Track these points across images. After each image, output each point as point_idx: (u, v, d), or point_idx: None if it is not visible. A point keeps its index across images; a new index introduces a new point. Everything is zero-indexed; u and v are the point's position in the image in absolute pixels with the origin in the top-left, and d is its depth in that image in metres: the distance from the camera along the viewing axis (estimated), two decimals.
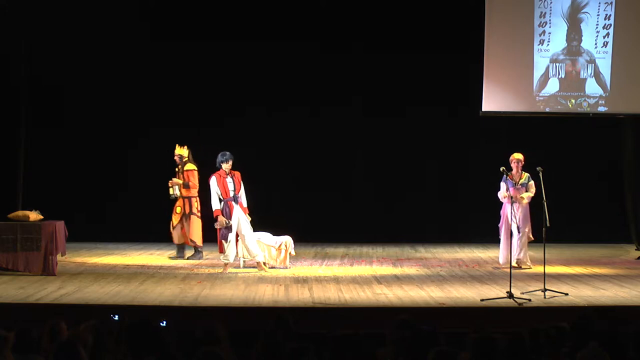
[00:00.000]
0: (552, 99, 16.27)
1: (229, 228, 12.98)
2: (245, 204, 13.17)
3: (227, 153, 13.21)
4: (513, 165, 13.45)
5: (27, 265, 12.43)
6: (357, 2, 17.23)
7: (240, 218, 13.04)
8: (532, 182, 13.35)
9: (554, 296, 10.73)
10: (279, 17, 17.15)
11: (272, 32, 17.15)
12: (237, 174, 13.23)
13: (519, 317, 9.72)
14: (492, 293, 10.95)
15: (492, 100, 16.30)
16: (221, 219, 13.00)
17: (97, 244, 16.28)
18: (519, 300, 10.31)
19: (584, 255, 15.46)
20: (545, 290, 10.76)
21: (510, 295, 10.37)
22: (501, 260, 13.60)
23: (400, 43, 17.24)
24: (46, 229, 12.56)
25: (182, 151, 14.74)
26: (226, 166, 13.12)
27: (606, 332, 6.37)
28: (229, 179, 13.12)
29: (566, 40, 16.26)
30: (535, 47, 16.23)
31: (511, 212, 12.82)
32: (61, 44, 16.90)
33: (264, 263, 13.33)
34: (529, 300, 10.41)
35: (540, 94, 16.26)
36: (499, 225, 13.58)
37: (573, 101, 16.42)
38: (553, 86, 16.22)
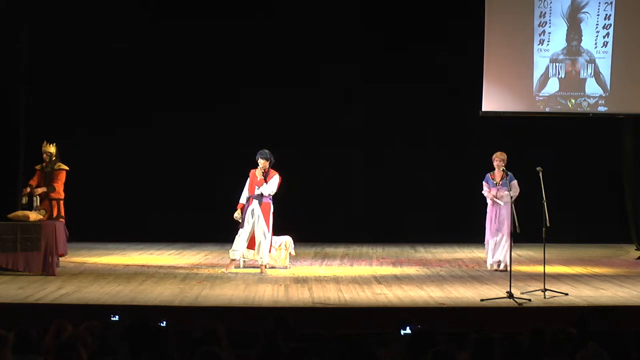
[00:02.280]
0: (552, 98, 16.27)
1: (241, 223, 12.98)
2: (264, 192, 12.96)
3: (263, 151, 13.08)
4: (494, 163, 13.27)
5: (27, 265, 12.42)
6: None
7: (256, 216, 12.97)
8: (514, 182, 13.03)
9: (554, 296, 10.72)
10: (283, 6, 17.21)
11: (272, 28, 17.17)
12: (272, 173, 13.04)
13: (519, 317, 9.71)
14: (492, 293, 10.94)
15: (492, 100, 16.30)
16: (237, 213, 12.97)
17: (96, 244, 16.27)
18: (518, 300, 10.30)
19: (583, 255, 15.46)
20: (545, 290, 10.75)
21: (510, 295, 10.36)
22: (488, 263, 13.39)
23: (402, 42, 17.24)
24: (46, 229, 12.55)
25: (52, 148, 13.68)
26: (260, 163, 13.01)
27: (606, 332, 6.36)
28: (259, 176, 13.01)
29: (566, 40, 16.26)
30: (535, 47, 16.23)
31: (494, 213, 12.88)
32: (62, 44, 16.92)
33: (265, 266, 13.34)
34: (529, 300, 10.40)
35: (540, 94, 16.26)
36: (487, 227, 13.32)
37: (573, 101, 16.42)
38: (553, 86, 16.23)
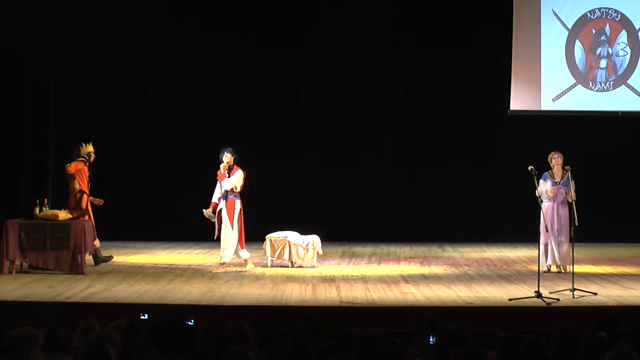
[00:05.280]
0: (582, 97, 16.20)
1: (217, 226, 12.91)
2: (225, 187, 12.80)
3: (226, 148, 12.93)
4: (552, 162, 13.12)
5: (57, 264, 12.52)
6: None
7: (222, 215, 12.89)
8: (573, 182, 12.65)
9: (583, 296, 10.67)
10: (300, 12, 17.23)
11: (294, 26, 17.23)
12: (235, 169, 12.87)
13: (547, 317, 9.68)
14: (521, 292, 10.91)
15: (520, 99, 16.26)
16: (208, 210, 12.89)
17: (125, 243, 16.35)
18: (547, 300, 10.25)
19: (613, 255, 15.37)
20: (573, 289, 10.70)
21: (538, 294, 10.32)
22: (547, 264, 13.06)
23: (432, 41, 17.20)
24: (75, 227, 12.64)
25: (92, 148, 13.66)
26: (226, 159, 12.86)
27: (635, 332, 6.32)
28: (224, 172, 12.91)
29: (596, 37, 16.21)
30: (565, 45, 16.19)
31: (555, 213, 12.71)
32: (85, 44, 17.02)
33: (291, 263, 13.37)
34: (558, 300, 10.35)
35: (569, 93, 16.20)
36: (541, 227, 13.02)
37: (604, 100, 16.34)
38: (584, 85, 16.16)
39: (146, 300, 10.31)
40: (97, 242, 13.47)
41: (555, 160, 13.01)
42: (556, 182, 12.88)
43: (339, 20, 17.16)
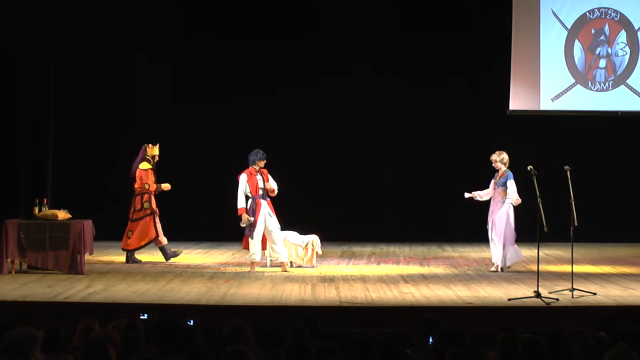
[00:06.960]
0: (581, 97, 16.21)
1: (253, 225, 12.97)
2: (276, 186, 13.11)
3: (261, 151, 13.14)
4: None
5: (57, 264, 12.52)
6: None
7: (267, 216, 13.03)
8: (509, 182, 12.87)
9: (582, 296, 10.67)
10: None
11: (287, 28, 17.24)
12: (264, 171, 13.16)
13: (546, 317, 9.68)
14: (520, 292, 10.92)
15: (520, 99, 16.27)
16: (244, 216, 12.99)
17: None
18: (546, 300, 10.26)
19: (612, 255, 15.37)
20: (573, 289, 10.70)
21: (537, 294, 10.33)
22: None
23: (432, 41, 17.19)
24: (74, 227, 12.64)
25: (157, 150, 14.27)
26: (260, 164, 13.08)
27: (635, 332, 6.33)
28: (258, 176, 13.08)
29: (596, 38, 16.22)
30: (564, 45, 16.20)
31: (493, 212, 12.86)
32: (85, 43, 17.01)
33: (290, 263, 13.37)
34: (557, 299, 10.36)
35: (569, 93, 16.21)
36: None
37: (603, 100, 16.35)
38: (583, 85, 16.18)
39: (146, 300, 10.31)
40: (164, 239, 14.19)
41: (492, 160, 13.12)
42: (494, 182, 13.01)
43: (337, 19, 17.16)
